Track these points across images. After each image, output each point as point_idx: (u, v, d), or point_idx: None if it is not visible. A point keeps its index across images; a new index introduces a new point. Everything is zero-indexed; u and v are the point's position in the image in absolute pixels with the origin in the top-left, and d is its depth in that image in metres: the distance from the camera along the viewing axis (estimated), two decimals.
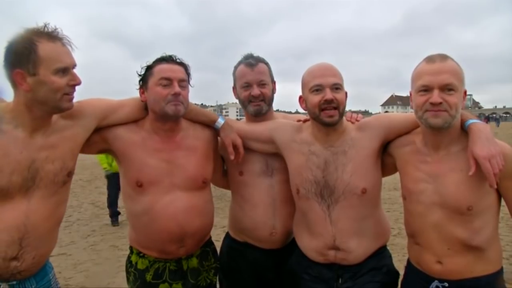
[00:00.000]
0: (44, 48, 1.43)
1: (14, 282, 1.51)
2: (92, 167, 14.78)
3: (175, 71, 1.78)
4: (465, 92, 1.55)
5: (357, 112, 1.97)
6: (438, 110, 1.48)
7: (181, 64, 1.84)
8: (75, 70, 1.53)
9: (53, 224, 1.60)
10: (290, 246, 1.99)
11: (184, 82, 1.81)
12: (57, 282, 1.75)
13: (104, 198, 9.01)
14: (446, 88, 1.48)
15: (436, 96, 1.47)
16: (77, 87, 1.54)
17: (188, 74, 1.85)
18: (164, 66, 1.78)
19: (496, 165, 1.42)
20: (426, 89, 1.50)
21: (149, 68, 1.82)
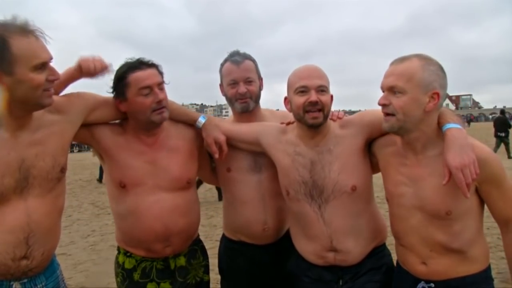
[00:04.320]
0: (18, 45, 1.33)
1: (25, 280, 1.51)
2: (92, 167, 14.78)
3: (151, 77, 1.74)
4: (437, 93, 1.46)
5: (357, 112, 1.95)
6: (386, 113, 1.52)
7: (153, 65, 1.79)
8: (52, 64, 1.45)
9: (55, 217, 1.60)
10: (284, 239, 1.98)
11: (162, 84, 1.79)
12: (64, 278, 1.76)
13: (103, 198, 9.03)
14: (393, 91, 1.48)
15: (381, 98, 1.53)
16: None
17: (161, 73, 1.81)
18: (139, 74, 1.72)
19: (468, 175, 1.38)
20: (383, 91, 1.54)
21: (121, 79, 1.74)
